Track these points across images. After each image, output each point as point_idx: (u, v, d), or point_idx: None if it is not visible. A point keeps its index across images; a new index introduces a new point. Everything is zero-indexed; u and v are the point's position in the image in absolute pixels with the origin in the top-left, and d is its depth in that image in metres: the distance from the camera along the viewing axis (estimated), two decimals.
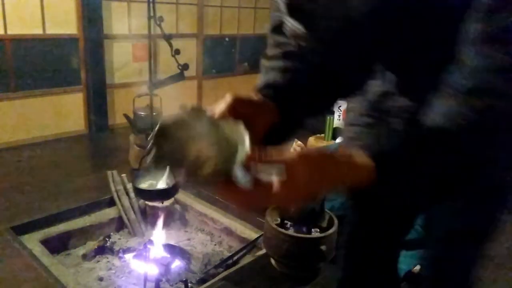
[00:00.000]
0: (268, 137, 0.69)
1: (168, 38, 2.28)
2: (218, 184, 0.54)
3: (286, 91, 0.74)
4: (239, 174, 0.52)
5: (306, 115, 0.80)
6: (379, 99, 0.91)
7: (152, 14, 2.26)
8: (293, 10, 0.67)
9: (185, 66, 2.42)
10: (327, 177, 0.56)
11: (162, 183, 2.15)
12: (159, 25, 2.27)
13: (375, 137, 0.90)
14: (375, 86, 0.92)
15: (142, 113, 2.99)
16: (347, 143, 1.10)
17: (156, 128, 0.59)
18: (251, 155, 0.53)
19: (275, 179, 0.53)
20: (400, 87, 0.85)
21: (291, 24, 0.68)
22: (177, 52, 2.33)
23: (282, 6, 0.68)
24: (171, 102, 4.73)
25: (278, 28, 0.77)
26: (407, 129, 0.78)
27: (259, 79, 0.79)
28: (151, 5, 2.23)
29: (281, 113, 0.72)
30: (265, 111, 0.70)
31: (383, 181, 0.57)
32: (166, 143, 0.59)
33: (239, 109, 0.63)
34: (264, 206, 0.60)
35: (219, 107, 0.62)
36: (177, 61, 2.32)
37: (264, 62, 0.81)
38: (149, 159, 0.57)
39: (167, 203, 2.40)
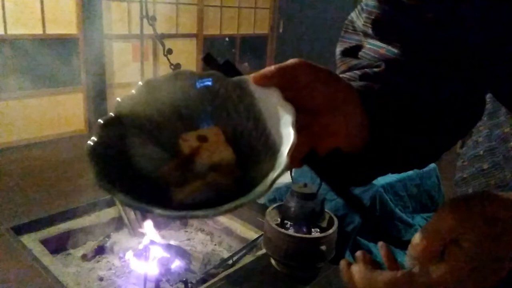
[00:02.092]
0: (342, 161, 0.44)
1: (160, 38, 2.28)
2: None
3: (380, 98, 0.48)
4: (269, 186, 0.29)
5: (397, 153, 0.50)
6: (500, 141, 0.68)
7: (144, 13, 2.26)
8: (381, 27, 0.54)
9: (177, 66, 2.43)
10: None
11: None
12: (152, 25, 2.28)
13: None
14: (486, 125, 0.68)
15: None
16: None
17: (115, 105, 0.36)
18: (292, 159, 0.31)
19: None
20: None
21: (375, 46, 0.55)
22: (170, 51, 2.33)
23: (362, 25, 0.56)
24: None
25: (351, 51, 0.59)
26: None
27: None
28: (143, 4, 2.23)
29: (372, 122, 0.45)
30: (353, 103, 0.42)
31: None
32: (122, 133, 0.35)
33: (303, 79, 0.37)
34: None
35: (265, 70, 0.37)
36: (169, 61, 2.32)
37: None
38: (87, 149, 0.34)
39: None
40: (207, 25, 5.06)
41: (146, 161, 0.34)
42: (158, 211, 0.28)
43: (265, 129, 0.33)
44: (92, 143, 0.34)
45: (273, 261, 1.78)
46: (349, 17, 0.60)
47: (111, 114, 0.35)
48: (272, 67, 0.36)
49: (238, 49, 5.53)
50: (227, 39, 5.42)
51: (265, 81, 0.35)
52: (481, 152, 0.68)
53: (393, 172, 0.53)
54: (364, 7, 0.56)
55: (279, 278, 1.75)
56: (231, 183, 0.32)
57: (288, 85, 0.36)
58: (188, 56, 4.92)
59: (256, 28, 5.68)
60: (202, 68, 0.32)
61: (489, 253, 0.34)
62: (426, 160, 0.55)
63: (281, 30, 5.81)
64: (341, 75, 0.52)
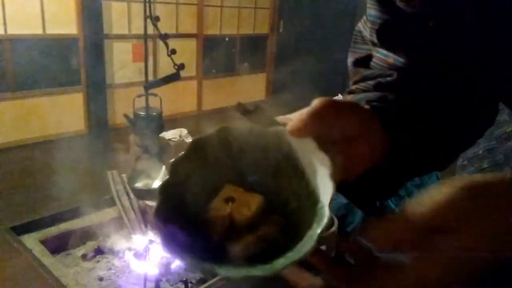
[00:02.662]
0: (367, 180, 0.45)
1: (164, 38, 2.27)
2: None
3: (391, 117, 0.49)
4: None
5: (415, 160, 0.52)
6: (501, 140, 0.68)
7: (148, 13, 2.26)
8: (385, 37, 0.55)
9: (181, 66, 2.42)
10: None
11: (157, 183, 2.15)
12: (155, 25, 2.27)
13: None
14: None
15: (142, 113, 2.99)
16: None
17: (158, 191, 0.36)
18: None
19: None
20: None
21: (383, 55, 0.56)
22: (173, 51, 2.32)
23: (368, 35, 0.57)
24: (171, 102, 4.73)
25: (362, 61, 0.61)
26: None
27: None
28: (147, 4, 2.23)
29: (392, 137, 0.47)
30: (374, 129, 0.45)
31: None
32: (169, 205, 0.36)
33: (333, 116, 0.40)
34: None
35: (297, 116, 0.39)
36: (173, 61, 2.31)
37: (347, 98, 0.58)
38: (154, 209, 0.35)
39: None
40: (207, 25, 5.06)
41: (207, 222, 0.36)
42: (221, 271, 0.30)
43: (304, 177, 0.35)
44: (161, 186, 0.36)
45: None
46: (357, 27, 0.61)
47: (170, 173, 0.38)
48: (304, 116, 0.38)
49: (238, 49, 5.53)
50: (227, 39, 5.42)
51: (301, 134, 0.37)
52: (481, 152, 0.69)
53: (415, 177, 0.55)
54: (368, 18, 0.57)
55: (279, 278, 1.75)
56: (278, 233, 0.34)
57: (319, 127, 0.38)
58: (188, 56, 4.92)
59: (256, 28, 5.68)
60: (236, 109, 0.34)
61: (485, 227, 0.33)
62: (445, 161, 0.56)
63: (281, 30, 5.81)
64: (355, 86, 0.56)
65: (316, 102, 0.39)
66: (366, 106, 0.49)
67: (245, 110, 0.38)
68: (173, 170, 0.37)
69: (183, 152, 0.38)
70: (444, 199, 0.33)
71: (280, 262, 0.29)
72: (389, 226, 0.34)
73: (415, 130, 0.51)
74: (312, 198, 0.33)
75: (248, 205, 0.35)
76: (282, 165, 0.37)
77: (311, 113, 0.38)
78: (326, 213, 0.30)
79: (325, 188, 0.32)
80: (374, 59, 0.58)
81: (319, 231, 0.30)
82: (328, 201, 0.31)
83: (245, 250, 0.32)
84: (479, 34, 0.49)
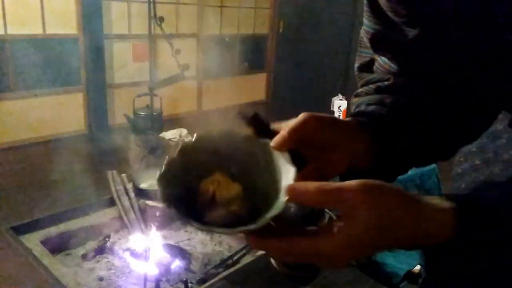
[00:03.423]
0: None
1: (169, 38, 2.28)
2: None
3: (385, 119, 0.56)
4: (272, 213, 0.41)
5: (410, 157, 0.59)
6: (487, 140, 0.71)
7: (152, 14, 2.26)
8: (377, 45, 0.60)
9: (186, 66, 2.43)
10: (399, 230, 0.39)
11: None
12: (160, 25, 2.28)
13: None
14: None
15: (142, 113, 3.00)
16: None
17: (179, 147, 0.49)
18: (292, 188, 0.41)
19: (324, 227, 0.41)
20: None
21: (382, 60, 0.61)
22: (178, 52, 2.33)
23: (367, 41, 0.61)
24: (171, 102, 4.74)
25: (366, 66, 0.67)
26: None
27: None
28: (151, 5, 2.23)
29: (376, 148, 0.54)
30: (353, 138, 0.53)
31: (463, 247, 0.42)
32: (181, 164, 0.48)
33: (311, 130, 0.49)
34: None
35: (282, 130, 0.48)
36: (177, 61, 2.32)
37: (353, 100, 0.65)
38: (157, 177, 0.46)
39: None
40: (207, 25, 5.06)
41: (191, 190, 0.48)
42: (195, 224, 0.43)
43: (276, 180, 0.46)
44: (162, 172, 0.47)
45: (273, 261, 1.78)
46: (360, 34, 0.66)
47: (177, 153, 0.49)
48: (286, 133, 0.47)
49: (238, 49, 5.53)
50: (227, 39, 5.43)
51: (280, 148, 0.47)
52: (474, 149, 0.72)
53: (413, 166, 0.61)
54: (364, 27, 0.63)
55: (279, 278, 1.75)
56: (246, 214, 0.45)
57: (300, 138, 0.48)
58: (188, 56, 4.92)
59: (256, 28, 5.68)
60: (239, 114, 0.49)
61: (370, 239, 0.38)
62: (442, 155, 0.63)
63: (281, 30, 5.81)
64: (360, 89, 0.64)
65: (299, 118, 0.48)
66: (349, 119, 0.56)
67: (246, 118, 0.48)
68: (169, 163, 0.48)
69: (179, 149, 0.49)
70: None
71: (237, 229, 0.42)
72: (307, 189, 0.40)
73: (410, 129, 0.57)
74: (278, 195, 0.44)
75: (228, 189, 0.46)
76: (264, 168, 0.48)
77: (292, 129, 0.47)
78: (279, 205, 0.42)
79: (289, 172, 0.44)
80: (376, 64, 0.64)
81: (270, 215, 0.41)
82: (285, 199, 0.42)
83: (217, 218, 0.44)
84: (463, 42, 0.52)
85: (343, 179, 0.52)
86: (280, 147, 0.47)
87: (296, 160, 0.47)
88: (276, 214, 0.40)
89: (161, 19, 2.26)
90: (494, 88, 0.56)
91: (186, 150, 0.49)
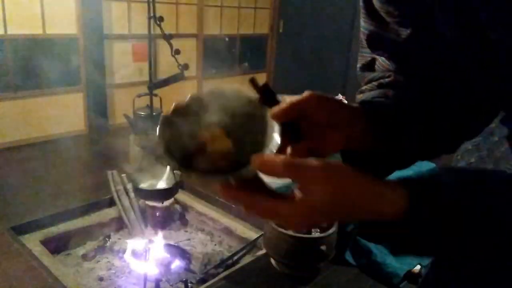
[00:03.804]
0: (354, 160, 0.57)
1: (168, 38, 2.28)
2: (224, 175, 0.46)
3: (387, 109, 0.60)
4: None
5: (411, 147, 0.62)
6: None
7: (152, 14, 2.26)
8: (373, 45, 0.63)
9: (185, 66, 2.43)
10: (351, 207, 0.45)
11: (162, 183, 2.15)
12: (159, 25, 2.28)
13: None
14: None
15: (142, 113, 2.99)
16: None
17: (161, 120, 0.52)
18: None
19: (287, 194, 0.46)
20: None
21: (381, 59, 0.64)
22: (177, 52, 2.33)
23: (364, 41, 0.64)
24: (171, 102, 4.73)
25: (368, 66, 0.70)
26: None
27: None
28: (151, 5, 2.23)
29: (376, 135, 0.57)
30: (353, 122, 0.56)
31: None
32: (175, 127, 0.52)
33: (312, 107, 0.52)
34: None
35: (284, 102, 0.51)
36: (177, 61, 2.32)
37: (358, 97, 0.68)
38: (158, 149, 0.50)
39: (167, 203, 2.40)
40: (207, 25, 5.06)
41: (189, 137, 0.52)
42: (180, 168, 0.48)
43: (265, 141, 0.49)
44: (162, 121, 0.52)
45: (273, 261, 1.78)
46: (360, 35, 0.70)
47: (186, 100, 0.54)
48: (284, 106, 0.50)
49: (238, 49, 5.53)
50: (227, 39, 5.42)
51: (277, 119, 0.50)
52: (470, 147, 0.74)
53: (412, 163, 0.63)
54: (361, 28, 0.66)
55: (279, 278, 1.75)
56: (228, 169, 0.47)
57: (299, 113, 0.51)
58: (188, 56, 4.92)
59: (256, 28, 5.68)
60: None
61: (323, 211, 0.44)
62: (441, 149, 0.65)
63: (281, 30, 5.81)
64: (364, 87, 0.67)
65: (302, 94, 0.52)
66: (355, 105, 0.59)
67: (256, 85, 0.52)
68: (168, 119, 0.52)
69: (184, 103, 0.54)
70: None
71: (210, 178, 0.46)
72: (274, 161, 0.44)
73: (412, 120, 0.59)
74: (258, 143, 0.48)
75: (220, 144, 0.50)
76: (258, 131, 0.50)
77: (291, 103, 0.50)
78: (246, 170, 0.45)
79: (273, 148, 0.48)
80: (377, 63, 0.66)
81: (231, 177, 0.45)
82: (275, 137, 0.47)
83: (201, 166, 0.49)
84: (453, 40, 0.54)
85: (344, 158, 0.59)
86: (276, 117, 0.50)
87: (294, 133, 0.52)
88: (240, 176, 0.45)
89: (161, 19, 2.25)
90: (490, 87, 0.58)
91: (196, 101, 0.53)
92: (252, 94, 0.52)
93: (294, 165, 0.44)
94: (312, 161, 0.43)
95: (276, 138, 0.47)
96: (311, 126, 0.53)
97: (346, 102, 0.57)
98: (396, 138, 0.58)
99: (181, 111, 0.53)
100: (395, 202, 0.44)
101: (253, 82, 0.52)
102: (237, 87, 0.54)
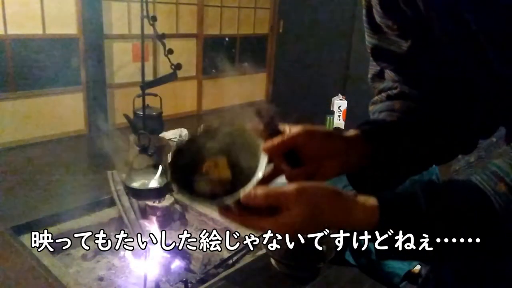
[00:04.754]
0: (357, 181, 0.64)
1: (161, 38, 2.28)
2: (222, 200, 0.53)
3: (388, 129, 0.64)
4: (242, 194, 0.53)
5: (408, 164, 0.66)
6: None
7: (145, 13, 2.26)
8: (377, 58, 0.67)
9: (178, 66, 2.43)
10: (326, 220, 0.52)
11: (154, 182, 2.15)
12: (153, 25, 2.27)
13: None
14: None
15: (142, 113, 2.99)
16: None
17: (174, 149, 0.62)
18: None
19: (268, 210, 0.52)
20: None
21: (388, 71, 0.67)
22: (170, 52, 2.33)
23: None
24: (171, 102, 4.73)
25: (378, 75, 0.74)
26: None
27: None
28: (144, 5, 2.23)
29: (376, 154, 0.62)
30: (348, 150, 0.62)
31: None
32: (181, 159, 0.61)
33: (303, 143, 0.59)
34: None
35: (278, 136, 0.58)
36: (170, 61, 2.32)
37: (370, 108, 0.73)
38: (168, 176, 0.59)
39: (167, 203, 2.40)
40: (207, 25, 5.06)
41: (195, 164, 0.60)
42: (183, 191, 0.57)
43: (257, 171, 0.55)
44: (173, 154, 0.61)
45: (273, 261, 1.78)
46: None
47: (199, 131, 0.62)
48: (275, 143, 0.57)
49: (238, 49, 5.53)
50: (227, 39, 5.42)
51: (267, 153, 0.56)
52: None
53: (416, 172, 0.67)
54: (366, 42, 0.69)
55: (279, 278, 1.75)
56: (223, 194, 0.54)
57: (292, 147, 0.58)
58: (188, 56, 4.92)
59: (256, 28, 5.67)
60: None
61: (304, 225, 0.51)
62: (445, 158, 0.68)
63: (281, 30, 5.80)
64: (376, 97, 0.72)
65: (295, 130, 0.58)
66: (350, 131, 0.64)
67: (262, 117, 0.58)
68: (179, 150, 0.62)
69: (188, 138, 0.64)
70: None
71: (207, 202, 0.56)
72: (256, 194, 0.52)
73: (418, 130, 0.64)
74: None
75: (220, 173, 0.58)
76: (253, 161, 0.57)
77: (281, 141, 0.57)
78: (234, 197, 0.52)
79: (255, 181, 0.54)
80: (386, 72, 0.70)
81: (224, 202, 0.53)
82: (250, 187, 0.53)
83: (202, 191, 0.57)
84: (452, 53, 0.56)
85: (349, 178, 0.65)
86: (266, 151, 0.56)
87: (292, 160, 0.59)
88: (228, 203, 0.53)
89: (154, 19, 2.25)
90: (491, 100, 0.60)
91: (209, 132, 0.61)
92: (256, 126, 0.59)
93: (272, 194, 0.51)
94: (289, 187, 0.51)
95: (259, 171, 0.54)
96: (307, 155, 0.59)
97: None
98: (397, 155, 0.63)
99: (192, 140, 0.62)
100: (366, 215, 0.50)
101: (259, 114, 0.58)
102: (241, 124, 0.61)
